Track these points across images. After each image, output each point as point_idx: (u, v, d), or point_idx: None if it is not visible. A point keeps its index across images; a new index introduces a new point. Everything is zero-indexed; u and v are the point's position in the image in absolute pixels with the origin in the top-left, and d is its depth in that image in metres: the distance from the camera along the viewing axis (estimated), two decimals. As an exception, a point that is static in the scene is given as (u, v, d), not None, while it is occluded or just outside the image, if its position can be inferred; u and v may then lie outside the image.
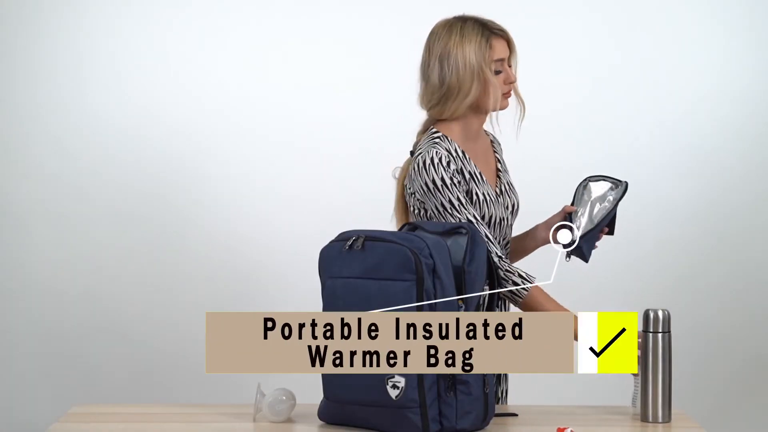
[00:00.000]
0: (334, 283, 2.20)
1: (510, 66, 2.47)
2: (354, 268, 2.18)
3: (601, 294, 3.97)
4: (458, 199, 2.38)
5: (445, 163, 2.38)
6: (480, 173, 2.46)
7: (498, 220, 2.46)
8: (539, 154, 3.83)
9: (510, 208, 2.52)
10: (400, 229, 2.45)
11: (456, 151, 2.45)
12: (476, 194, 2.44)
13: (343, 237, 2.24)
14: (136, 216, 3.92)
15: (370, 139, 3.83)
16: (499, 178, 2.52)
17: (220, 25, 3.92)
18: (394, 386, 2.12)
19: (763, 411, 3.98)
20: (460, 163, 2.44)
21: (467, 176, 2.44)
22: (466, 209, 2.38)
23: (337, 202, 3.84)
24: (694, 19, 3.97)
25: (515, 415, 2.33)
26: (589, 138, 3.96)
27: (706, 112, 3.97)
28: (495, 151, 2.56)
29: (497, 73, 2.44)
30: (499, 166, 2.54)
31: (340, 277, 2.20)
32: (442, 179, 2.38)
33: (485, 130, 2.57)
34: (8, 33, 3.89)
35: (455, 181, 2.39)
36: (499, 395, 2.55)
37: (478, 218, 2.40)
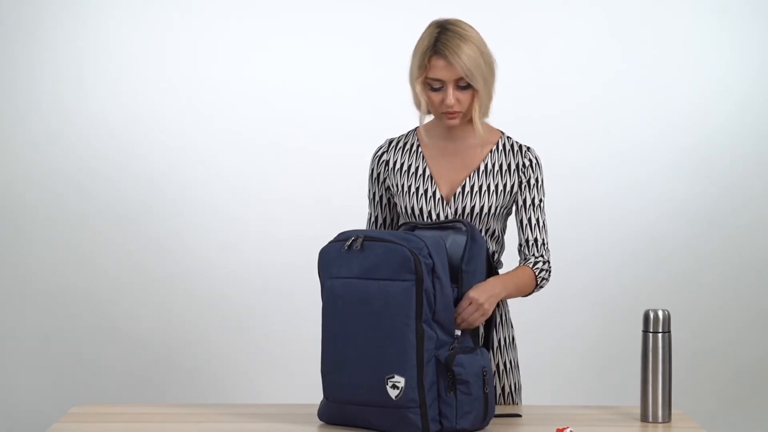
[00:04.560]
0: (334, 284, 2.20)
1: (462, 89, 2.36)
2: (353, 269, 2.18)
3: (601, 294, 3.97)
4: (372, 194, 2.54)
5: (377, 155, 2.53)
6: (425, 168, 2.46)
7: (430, 216, 2.43)
8: (540, 154, 3.82)
9: (463, 211, 2.43)
10: (398, 229, 2.45)
11: (409, 145, 2.49)
12: (395, 185, 2.47)
13: (342, 237, 2.24)
14: (135, 217, 3.92)
15: (369, 139, 3.83)
16: (468, 180, 2.47)
17: (218, 28, 3.93)
18: (394, 386, 2.12)
19: (763, 411, 3.98)
20: (396, 155, 2.49)
21: (397, 167, 2.48)
22: (371, 206, 2.55)
23: (336, 202, 3.84)
24: (697, 21, 3.97)
25: (519, 415, 2.33)
26: (591, 138, 3.96)
27: (708, 112, 3.97)
28: (483, 158, 2.47)
29: (434, 90, 2.37)
30: (471, 174, 2.45)
31: (339, 278, 2.20)
32: (371, 171, 2.54)
33: (504, 137, 2.49)
34: (8, 32, 3.89)
35: (374, 175, 2.52)
36: (511, 389, 2.52)
37: (372, 218, 2.54)
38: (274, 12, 3.93)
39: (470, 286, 2.22)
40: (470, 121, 2.43)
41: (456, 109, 2.37)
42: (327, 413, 2.24)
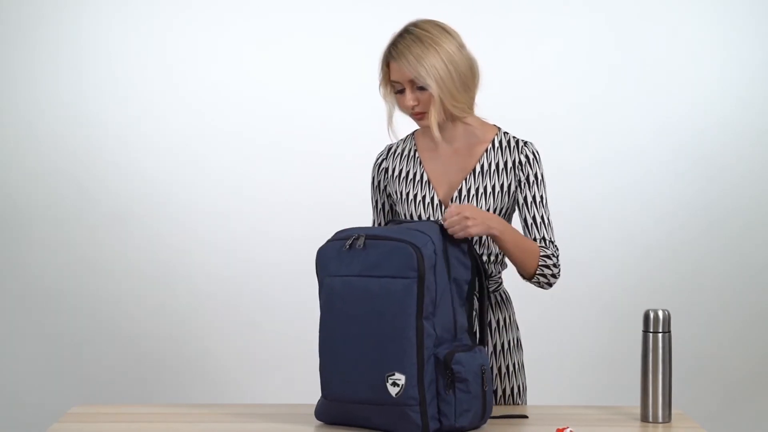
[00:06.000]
0: (333, 282, 2.20)
1: (420, 90, 2.36)
2: (354, 267, 2.17)
3: (601, 294, 3.97)
4: (375, 202, 2.57)
5: (377, 163, 2.55)
6: (423, 174, 2.47)
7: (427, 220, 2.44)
8: (540, 154, 3.82)
9: None
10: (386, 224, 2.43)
11: (407, 150, 2.51)
12: (396, 192, 2.49)
13: (342, 236, 2.23)
14: (135, 217, 3.92)
15: (369, 139, 3.83)
16: (465, 183, 2.47)
17: (218, 28, 3.93)
18: (395, 384, 2.11)
19: (763, 411, 3.98)
20: (395, 162, 2.51)
21: (395, 174, 2.50)
22: (374, 213, 2.57)
23: (336, 202, 3.84)
24: (695, 20, 3.97)
25: (525, 416, 2.32)
26: (590, 138, 3.96)
27: (707, 111, 3.97)
28: (479, 158, 2.47)
29: (398, 92, 2.40)
30: (467, 176, 2.45)
31: (339, 276, 2.19)
32: (372, 179, 2.56)
33: (500, 133, 2.48)
34: (8, 33, 3.89)
35: (375, 183, 2.55)
36: (516, 391, 2.52)
37: (377, 225, 2.55)
38: (274, 12, 3.93)
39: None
40: (454, 120, 2.44)
41: (417, 109, 2.40)
42: (325, 412, 2.24)
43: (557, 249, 2.41)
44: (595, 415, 2.35)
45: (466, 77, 2.39)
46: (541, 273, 2.36)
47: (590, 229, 3.96)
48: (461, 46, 2.40)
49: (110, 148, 3.92)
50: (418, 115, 2.41)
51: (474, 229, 2.21)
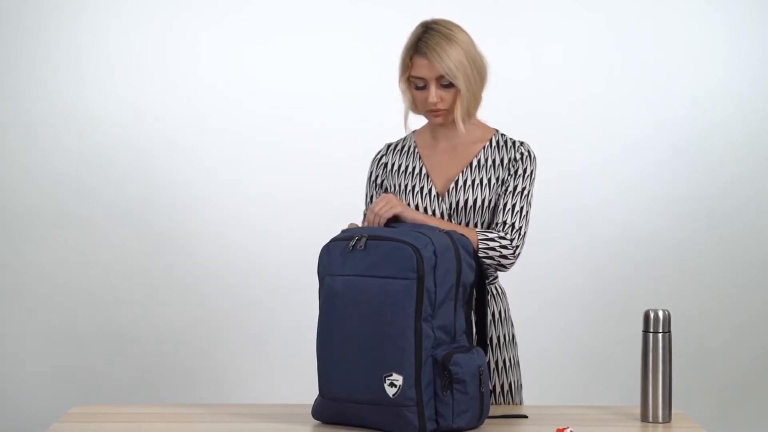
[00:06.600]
0: (334, 281, 2.20)
1: (444, 87, 2.38)
2: (355, 267, 2.18)
3: (601, 294, 3.97)
4: (370, 197, 2.56)
5: (376, 159, 2.56)
6: (422, 168, 2.48)
7: (426, 212, 2.45)
8: (539, 153, 3.82)
9: (457, 205, 2.44)
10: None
11: (407, 147, 2.52)
12: (394, 185, 2.50)
13: (346, 235, 2.23)
14: (135, 217, 3.92)
15: (369, 139, 3.84)
16: (461, 175, 2.48)
17: (218, 27, 3.93)
18: (392, 384, 2.12)
19: (763, 411, 3.98)
20: (395, 158, 2.53)
21: (395, 168, 2.51)
22: (367, 209, 2.54)
23: (336, 202, 3.83)
24: (695, 20, 3.97)
25: (525, 416, 2.32)
26: (590, 138, 3.96)
27: (707, 111, 3.97)
28: (476, 154, 2.49)
29: (418, 88, 2.41)
30: (464, 169, 2.46)
31: (340, 275, 2.19)
32: (369, 174, 2.57)
33: (498, 134, 2.49)
34: (8, 33, 3.89)
35: (372, 178, 2.56)
36: (511, 387, 2.51)
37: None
38: (274, 12, 3.93)
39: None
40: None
41: (440, 106, 2.40)
42: (322, 411, 2.24)
43: (520, 237, 2.39)
44: (595, 415, 2.35)
45: (483, 75, 2.43)
46: (485, 255, 2.36)
47: (590, 229, 3.96)
48: (474, 45, 2.42)
49: (110, 148, 3.92)
50: (437, 112, 2.41)
51: (398, 208, 2.32)
